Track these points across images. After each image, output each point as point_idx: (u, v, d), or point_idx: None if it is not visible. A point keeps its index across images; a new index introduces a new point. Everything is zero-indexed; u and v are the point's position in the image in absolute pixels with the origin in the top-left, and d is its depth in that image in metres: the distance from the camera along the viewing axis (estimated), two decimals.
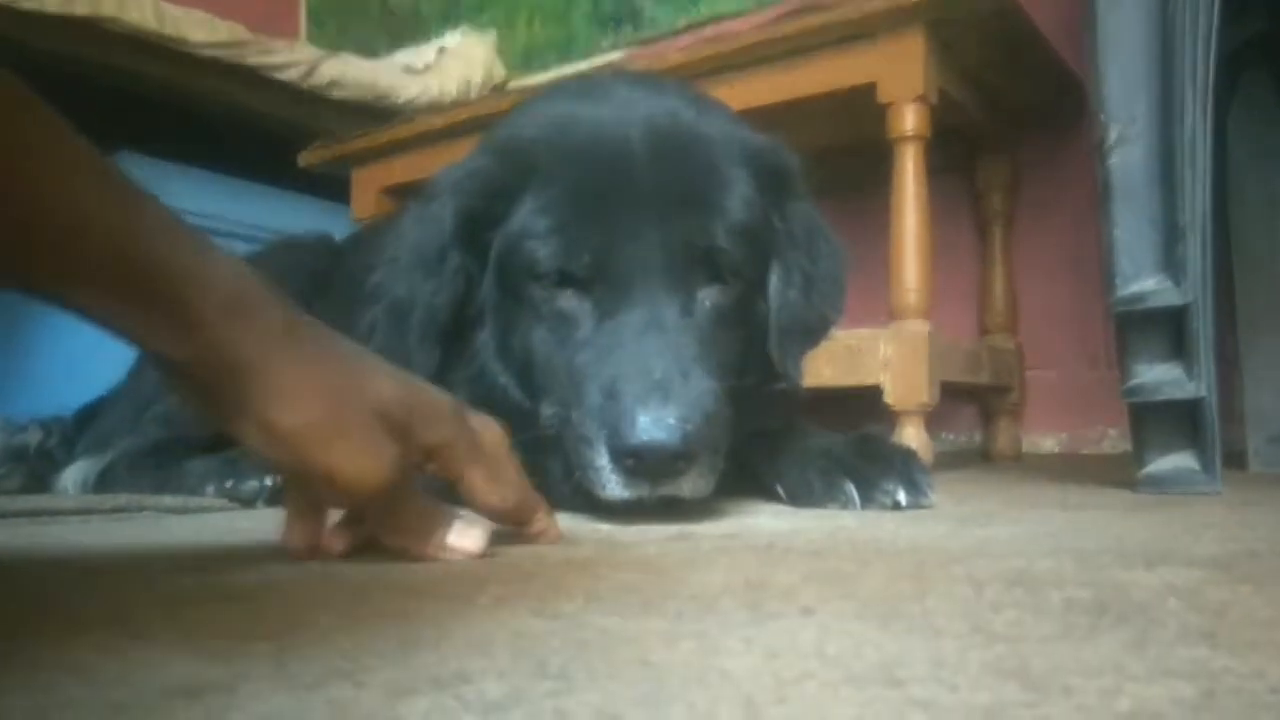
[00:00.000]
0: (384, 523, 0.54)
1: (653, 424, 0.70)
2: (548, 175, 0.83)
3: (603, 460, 0.73)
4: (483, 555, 0.54)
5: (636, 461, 0.71)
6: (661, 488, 0.72)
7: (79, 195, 0.43)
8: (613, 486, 0.73)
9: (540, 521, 0.61)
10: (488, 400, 0.81)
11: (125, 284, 0.44)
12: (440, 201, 0.88)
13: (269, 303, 0.48)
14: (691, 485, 0.73)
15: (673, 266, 0.81)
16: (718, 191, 0.84)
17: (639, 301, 0.79)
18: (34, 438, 1.24)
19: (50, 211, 0.42)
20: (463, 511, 0.56)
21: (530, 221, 0.83)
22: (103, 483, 1.13)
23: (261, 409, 0.47)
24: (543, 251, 0.81)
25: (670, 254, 0.80)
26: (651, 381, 0.73)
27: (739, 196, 0.85)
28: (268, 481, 1.00)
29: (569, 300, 0.82)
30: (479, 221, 0.86)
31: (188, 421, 1.14)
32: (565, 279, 0.82)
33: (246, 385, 0.47)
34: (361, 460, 0.49)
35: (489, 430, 0.58)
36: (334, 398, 0.49)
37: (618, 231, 0.80)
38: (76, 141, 0.43)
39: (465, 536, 0.54)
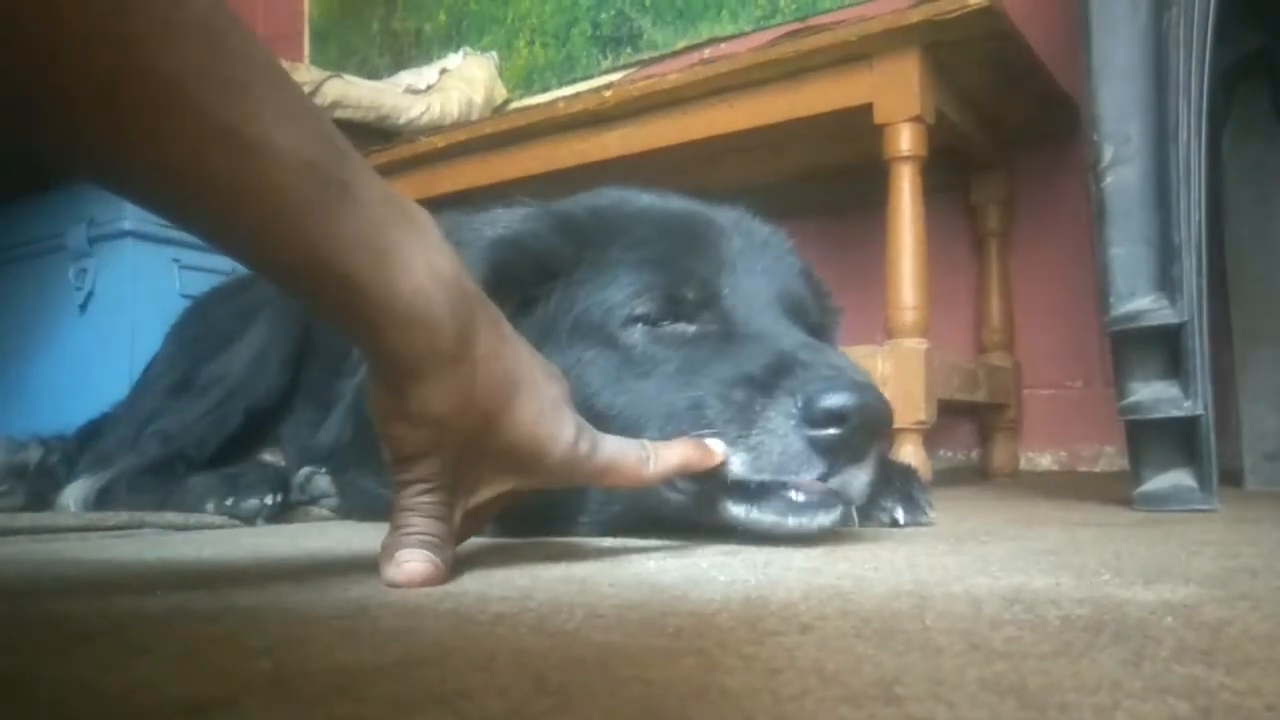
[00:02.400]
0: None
1: (853, 385, 0.64)
2: (622, 232, 0.81)
3: (791, 434, 0.65)
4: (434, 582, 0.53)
5: (838, 426, 0.64)
6: (845, 471, 0.66)
7: (295, 201, 0.45)
8: (801, 463, 0.65)
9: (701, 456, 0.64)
10: None
11: (312, 282, 0.48)
12: (468, 253, 0.82)
13: (442, 320, 0.50)
14: (865, 476, 0.68)
15: (778, 303, 0.79)
16: (793, 262, 0.86)
17: (764, 318, 0.76)
18: (34, 455, 1.24)
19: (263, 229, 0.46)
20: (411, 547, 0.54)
21: (618, 265, 0.79)
22: (103, 500, 1.13)
23: (396, 418, 0.53)
24: (639, 285, 0.77)
25: (773, 294, 0.79)
26: (830, 355, 0.69)
27: (807, 273, 0.88)
28: (267, 500, 1.00)
29: (675, 329, 0.77)
30: (516, 278, 0.80)
31: (188, 439, 1.15)
32: (670, 310, 0.77)
33: (405, 385, 0.52)
34: (421, 482, 0.55)
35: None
36: (459, 432, 0.53)
37: (720, 267, 0.78)
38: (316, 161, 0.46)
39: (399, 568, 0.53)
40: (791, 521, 0.66)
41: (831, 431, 0.64)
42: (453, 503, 0.56)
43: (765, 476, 0.66)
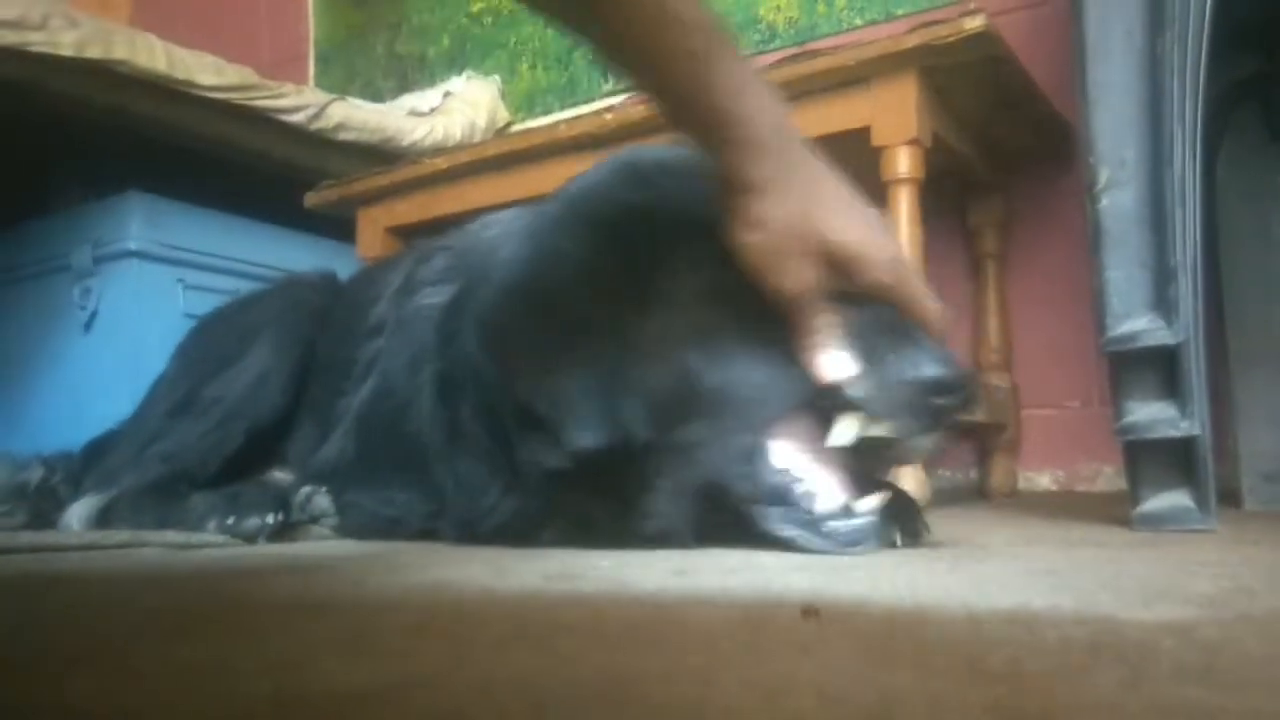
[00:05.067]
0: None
1: (957, 366, 0.74)
2: None
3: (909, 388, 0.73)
4: None
5: (945, 396, 0.72)
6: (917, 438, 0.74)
7: (679, 60, 0.67)
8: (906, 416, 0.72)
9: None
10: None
11: (693, 115, 0.69)
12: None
13: (782, 147, 0.69)
14: (932, 443, 0.76)
15: None
16: None
17: None
18: (35, 475, 1.23)
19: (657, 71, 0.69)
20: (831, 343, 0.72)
21: None
22: (106, 519, 1.12)
23: (741, 223, 0.71)
24: None
25: None
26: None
27: None
28: (269, 519, 1.00)
29: None
30: None
31: (190, 458, 1.15)
32: None
33: (741, 200, 0.70)
34: (784, 278, 0.71)
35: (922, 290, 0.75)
36: (789, 230, 0.70)
37: None
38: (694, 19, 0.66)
39: (834, 364, 0.72)
40: (831, 547, 0.74)
41: (937, 401, 0.71)
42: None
43: (881, 431, 0.73)
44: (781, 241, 0.70)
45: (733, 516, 0.77)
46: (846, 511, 0.75)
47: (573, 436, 0.77)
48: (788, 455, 0.76)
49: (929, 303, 0.75)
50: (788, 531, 0.75)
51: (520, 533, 0.87)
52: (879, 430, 0.73)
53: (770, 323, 0.75)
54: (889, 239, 0.74)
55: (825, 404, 0.74)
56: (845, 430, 0.74)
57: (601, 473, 0.79)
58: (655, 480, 0.78)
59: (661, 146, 0.87)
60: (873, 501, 0.76)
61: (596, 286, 0.78)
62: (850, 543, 0.74)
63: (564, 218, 0.85)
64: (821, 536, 0.74)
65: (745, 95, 0.67)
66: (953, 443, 0.77)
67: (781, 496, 0.75)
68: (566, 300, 0.79)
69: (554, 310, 0.80)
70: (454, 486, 0.92)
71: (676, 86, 0.68)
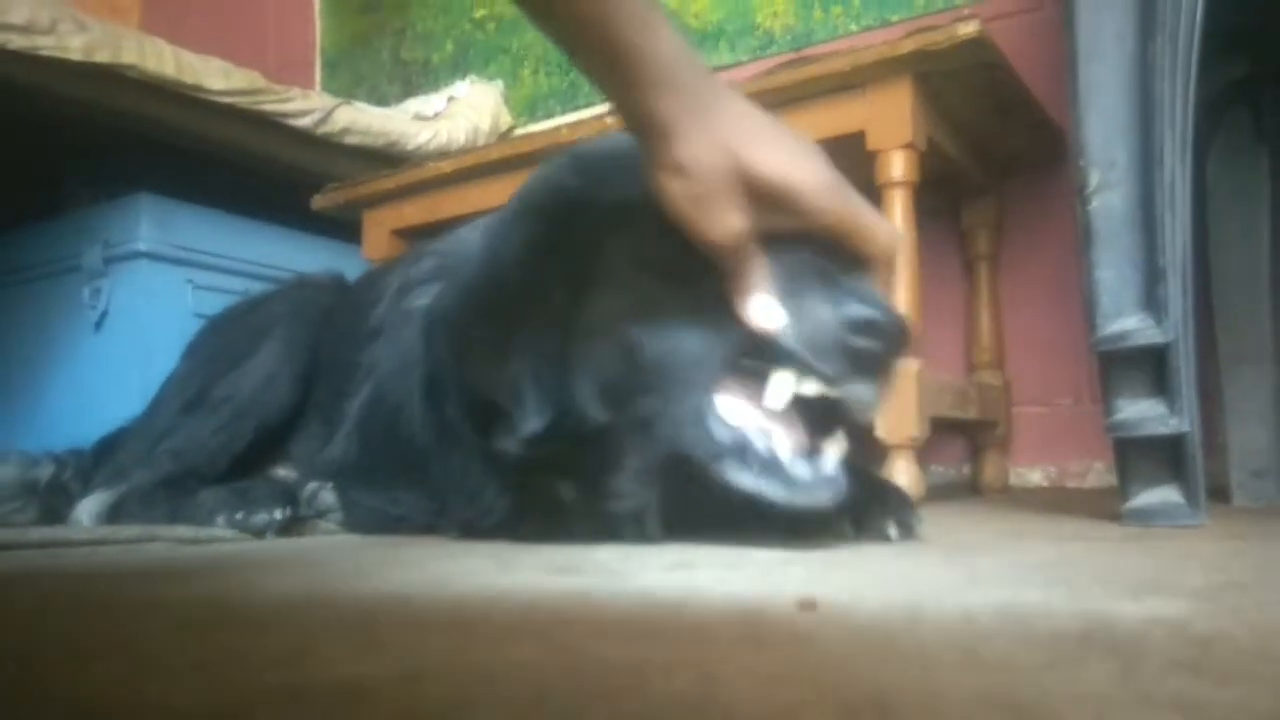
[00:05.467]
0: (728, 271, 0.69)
1: (887, 307, 0.70)
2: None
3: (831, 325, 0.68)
4: None
5: (869, 337, 0.68)
6: (856, 384, 0.69)
7: None
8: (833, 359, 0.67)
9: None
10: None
11: (592, 52, 0.65)
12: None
13: (691, 81, 0.65)
14: (873, 394, 0.71)
15: None
16: None
17: None
18: (46, 471, 1.24)
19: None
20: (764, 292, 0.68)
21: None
22: (116, 514, 1.13)
23: (660, 169, 0.66)
24: None
25: None
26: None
27: None
28: (277, 514, 1.01)
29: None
30: None
31: (200, 455, 1.15)
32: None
33: (658, 144, 0.66)
34: (711, 224, 0.66)
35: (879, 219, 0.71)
36: (713, 170, 0.64)
37: None
38: None
39: (766, 313, 0.67)
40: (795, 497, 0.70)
41: (863, 342, 0.67)
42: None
43: (814, 381, 0.69)
44: (704, 184, 0.64)
45: (699, 485, 0.74)
46: (808, 457, 0.72)
47: (521, 423, 0.76)
48: (739, 412, 0.73)
49: (879, 228, 0.70)
50: (750, 481, 0.71)
51: (511, 527, 0.87)
52: (812, 381, 0.69)
53: (709, 279, 0.71)
54: (825, 165, 0.68)
55: (760, 356, 0.71)
56: (780, 385, 0.70)
57: (569, 460, 0.79)
58: (619, 460, 0.77)
59: (618, 135, 0.85)
60: (834, 450, 0.72)
61: (543, 275, 0.78)
62: (815, 489, 0.70)
63: (514, 213, 0.86)
64: (785, 483, 0.70)
65: (647, 30, 0.63)
66: (890, 390, 0.72)
67: (739, 451, 0.71)
68: (511, 293, 0.80)
69: (502, 304, 0.80)
70: (452, 487, 0.93)
71: (577, 25, 0.63)
